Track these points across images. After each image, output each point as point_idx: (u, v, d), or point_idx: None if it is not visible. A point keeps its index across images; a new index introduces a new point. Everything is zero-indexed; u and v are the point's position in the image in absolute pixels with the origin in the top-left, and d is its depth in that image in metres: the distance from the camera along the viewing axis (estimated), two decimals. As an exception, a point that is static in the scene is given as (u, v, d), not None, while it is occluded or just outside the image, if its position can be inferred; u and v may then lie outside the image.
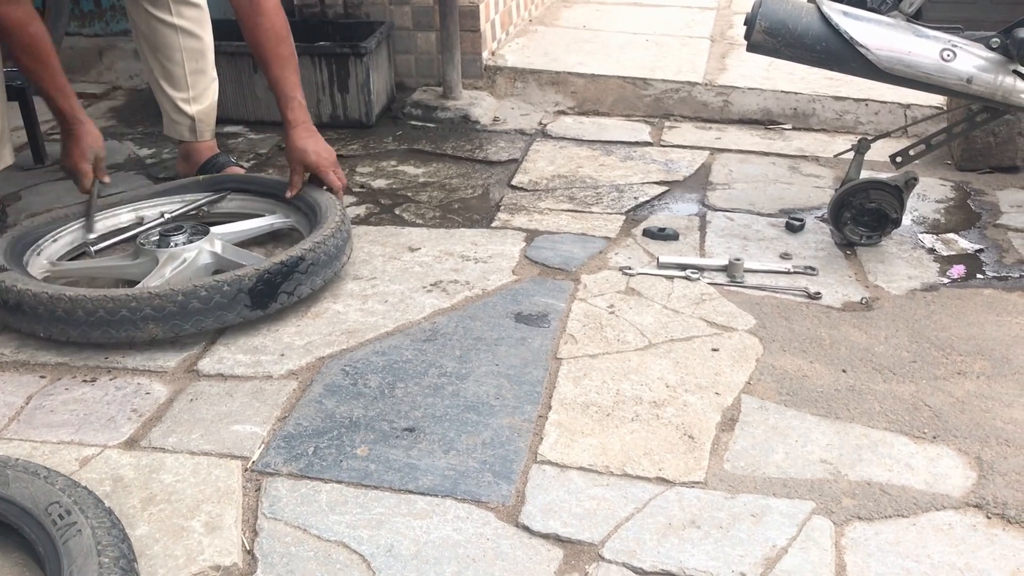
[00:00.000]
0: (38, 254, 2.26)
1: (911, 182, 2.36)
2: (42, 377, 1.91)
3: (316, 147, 2.39)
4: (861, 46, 2.20)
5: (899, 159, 2.49)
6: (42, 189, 2.86)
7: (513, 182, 2.87)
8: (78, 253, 2.35)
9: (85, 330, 1.93)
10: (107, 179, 2.41)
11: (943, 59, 2.18)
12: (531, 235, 2.50)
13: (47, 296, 1.92)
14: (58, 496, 1.40)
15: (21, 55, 2.26)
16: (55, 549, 1.31)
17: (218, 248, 2.21)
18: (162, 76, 2.67)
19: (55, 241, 2.32)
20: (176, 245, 2.18)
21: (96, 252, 2.29)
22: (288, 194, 2.40)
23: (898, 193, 2.35)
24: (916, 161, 2.51)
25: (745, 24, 2.33)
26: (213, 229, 2.27)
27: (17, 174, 2.96)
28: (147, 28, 2.60)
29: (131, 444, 1.70)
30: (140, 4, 2.58)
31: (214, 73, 2.75)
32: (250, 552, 1.45)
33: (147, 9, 2.58)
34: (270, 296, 2.02)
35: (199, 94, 2.71)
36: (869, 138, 2.44)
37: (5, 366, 1.95)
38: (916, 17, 2.28)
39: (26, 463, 1.49)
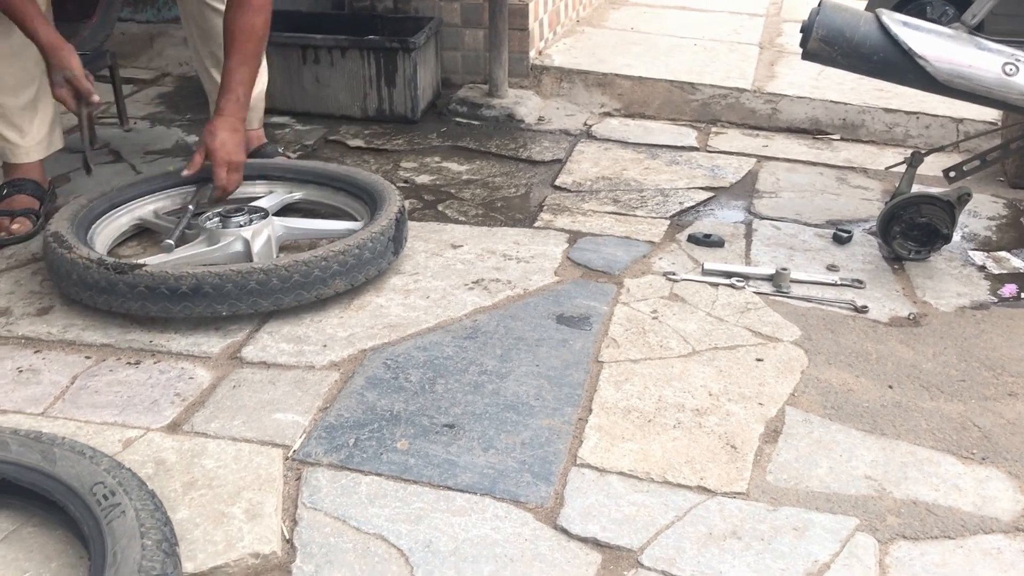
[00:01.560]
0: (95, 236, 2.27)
1: (964, 198, 2.32)
2: (87, 358, 1.93)
3: (225, 138, 2.32)
4: (920, 57, 2.16)
5: (952, 174, 2.45)
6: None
7: (557, 182, 2.86)
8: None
9: (279, 297, 1.99)
10: (95, 97, 2.29)
11: (1005, 73, 2.14)
12: (574, 236, 2.49)
13: (239, 273, 1.96)
14: (103, 477, 1.41)
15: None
16: (99, 529, 1.31)
17: (288, 222, 2.33)
18: (212, 63, 2.68)
19: (108, 223, 2.34)
20: (252, 223, 2.22)
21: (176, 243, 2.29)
22: (184, 172, 2.38)
23: (950, 208, 2.31)
24: (969, 177, 2.47)
25: (801, 32, 2.30)
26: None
27: (66, 156, 2.99)
28: (198, 15, 2.62)
29: (174, 428, 1.71)
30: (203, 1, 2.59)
31: (263, 62, 2.75)
32: (289, 541, 1.45)
33: (208, 4, 2.59)
34: (399, 243, 2.23)
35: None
36: (922, 151, 2.40)
37: (52, 345, 1.97)
38: (978, 30, 2.24)
39: (72, 442, 1.50)
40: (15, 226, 2.41)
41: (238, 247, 2.19)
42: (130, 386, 1.83)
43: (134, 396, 1.80)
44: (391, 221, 2.20)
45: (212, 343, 1.97)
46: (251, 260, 2.16)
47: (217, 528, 1.46)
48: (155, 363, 1.91)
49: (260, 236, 2.21)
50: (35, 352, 1.94)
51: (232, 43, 2.35)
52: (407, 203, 2.67)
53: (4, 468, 1.45)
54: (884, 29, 2.20)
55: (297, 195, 2.53)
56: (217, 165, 2.32)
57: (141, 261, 2.03)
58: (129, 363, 1.91)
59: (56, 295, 2.14)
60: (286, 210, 2.48)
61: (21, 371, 1.88)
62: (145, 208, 2.42)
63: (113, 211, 2.35)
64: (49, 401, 1.78)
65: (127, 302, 1.96)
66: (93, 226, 2.27)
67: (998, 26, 2.30)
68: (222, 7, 2.58)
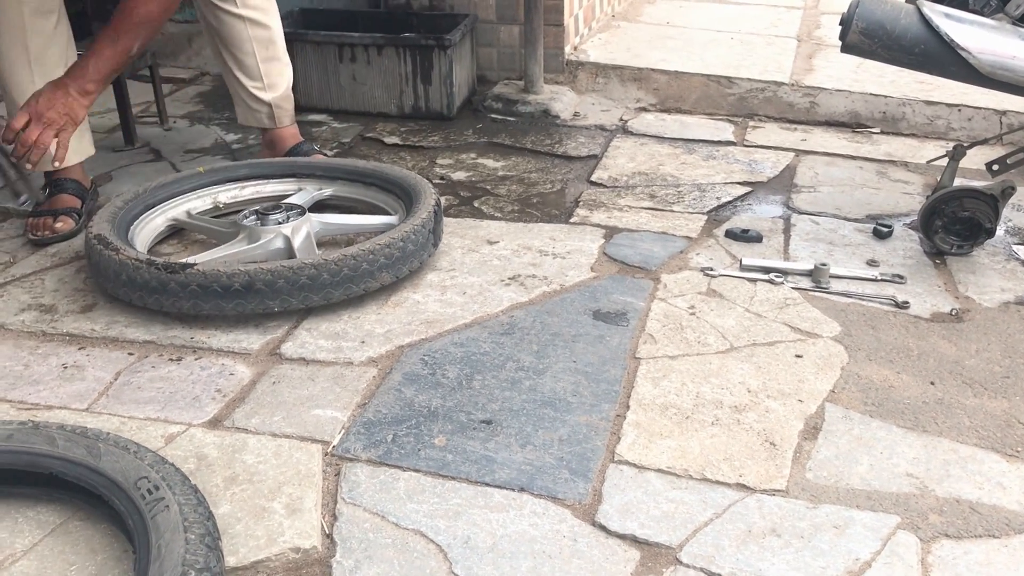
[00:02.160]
0: (135, 236, 2.31)
1: (1008, 191, 2.28)
2: (130, 354, 1.96)
3: (46, 92, 2.22)
4: (963, 49, 2.13)
5: (995, 167, 2.41)
6: (132, 170, 2.93)
7: (592, 178, 2.86)
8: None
9: (329, 291, 2.02)
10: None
11: (1049, 65, 2.10)
12: (610, 232, 2.48)
13: (290, 268, 1.98)
14: (147, 471, 1.43)
15: None
16: (144, 523, 1.34)
17: (325, 218, 2.36)
18: (235, 66, 2.68)
19: (146, 224, 2.38)
20: (290, 220, 2.25)
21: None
22: None
23: (993, 202, 2.27)
24: (1013, 170, 2.42)
25: (840, 24, 2.27)
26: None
27: (109, 155, 3.04)
28: (215, 21, 2.62)
29: (215, 424, 1.73)
30: (210, 1, 2.58)
31: (287, 58, 2.77)
32: (329, 536, 1.46)
33: (213, 2, 2.58)
34: (438, 236, 2.28)
35: (273, 81, 2.72)
36: (964, 144, 2.37)
37: (96, 342, 2.00)
38: (1022, 20, 2.20)
39: (116, 437, 1.53)
40: (58, 224, 2.45)
41: (279, 244, 2.21)
42: (172, 382, 1.86)
43: (176, 392, 1.82)
44: (430, 213, 2.22)
45: (252, 340, 1.99)
46: (293, 256, 2.18)
47: (258, 523, 1.48)
48: (196, 359, 1.93)
49: (300, 232, 2.24)
50: (79, 349, 1.98)
51: (111, 21, 2.28)
52: (443, 199, 2.69)
53: (51, 463, 1.47)
54: (925, 21, 2.17)
55: (327, 191, 2.56)
56: (16, 117, 2.21)
57: (191, 260, 2.06)
58: (171, 359, 1.94)
59: (99, 292, 2.17)
60: (317, 207, 2.50)
61: (66, 367, 1.91)
62: (179, 208, 2.45)
63: (148, 212, 2.39)
64: (94, 397, 1.81)
65: (179, 301, 1.99)
66: (132, 227, 2.30)
67: (1043, 16, 2.26)
68: (238, 11, 2.60)
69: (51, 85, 2.25)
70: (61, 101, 2.23)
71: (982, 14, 2.20)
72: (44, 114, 2.21)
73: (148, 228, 2.37)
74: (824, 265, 2.20)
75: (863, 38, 2.23)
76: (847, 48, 2.28)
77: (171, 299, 2.00)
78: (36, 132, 2.20)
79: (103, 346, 1.99)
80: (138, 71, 3.20)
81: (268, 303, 1.99)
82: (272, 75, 2.72)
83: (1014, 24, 2.18)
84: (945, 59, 2.17)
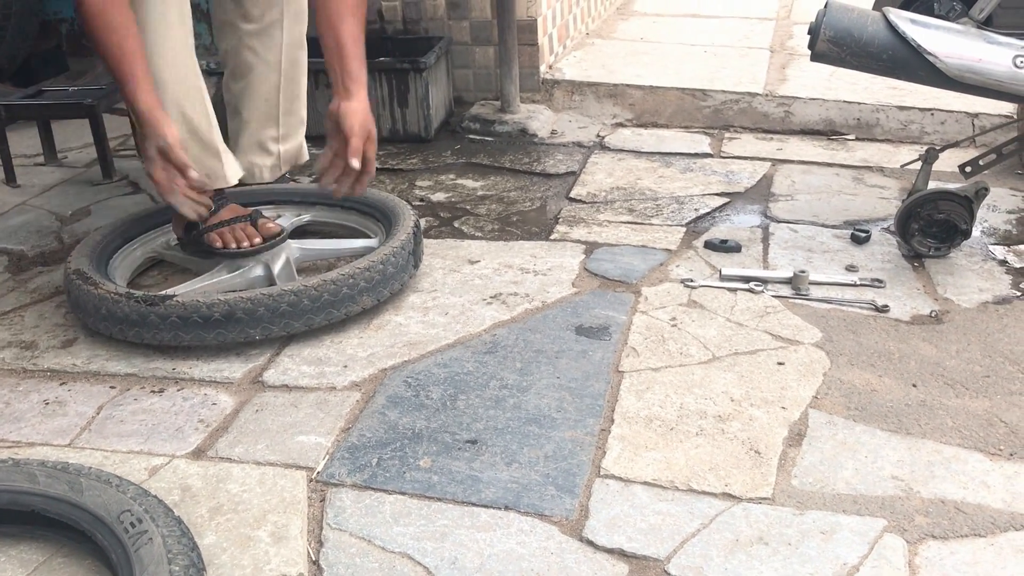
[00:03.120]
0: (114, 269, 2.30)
1: (981, 192, 2.30)
2: (112, 388, 1.95)
3: (361, 109, 2.10)
4: (929, 54, 2.15)
5: (968, 169, 2.43)
6: (111, 203, 2.93)
7: (571, 194, 2.87)
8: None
9: (310, 317, 2.02)
10: (191, 173, 2.00)
11: (1016, 66, 2.13)
12: (590, 247, 2.49)
13: (270, 296, 1.98)
14: (130, 504, 1.42)
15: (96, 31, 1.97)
16: (127, 556, 1.33)
17: (304, 244, 2.37)
18: (250, 111, 2.54)
19: (125, 257, 2.37)
20: (270, 248, 2.24)
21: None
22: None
23: (968, 204, 2.29)
24: (986, 171, 2.45)
25: (809, 33, 2.30)
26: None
27: (87, 189, 3.04)
28: (245, 64, 2.47)
29: (198, 454, 1.72)
30: (247, 45, 2.45)
31: (304, 116, 2.66)
32: (315, 563, 1.45)
33: (257, 52, 2.45)
34: (418, 257, 2.27)
35: (288, 133, 2.61)
36: (937, 148, 2.39)
37: (77, 377, 1.99)
38: (986, 23, 2.23)
39: (98, 472, 1.52)
40: (270, 225, 2.32)
41: (259, 272, 2.21)
42: (155, 414, 1.85)
43: (159, 424, 1.81)
44: (409, 235, 2.22)
45: (234, 368, 1.99)
46: (273, 283, 2.18)
47: (244, 552, 1.47)
48: (178, 390, 1.93)
49: (279, 259, 2.24)
50: (61, 384, 1.97)
51: (336, 14, 2.10)
52: (423, 220, 2.69)
53: (32, 500, 1.46)
54: (892, 27, 2.19)
55: (306, 217, 2.56)
56: (355, 137, 2.09)
57: (170, 292, 2.06)
58: (153, 391, 1.93)
59: (80, 327, 2.16)
60: (297, 232, 2.50)
61: (48, 403, 1.90)
62: (158, 240, 2.45)
63: (127, 244, 2.38)
64: (76, 432, 1.80)
65: (160, 333, 1.99)
66: (111, 260, 2.29)
67: (1006, 19, 2.29)
68: (270, 55, 2.47)
69: (357, 101, 2.09)
70: (367, 110, 2.13)
71: (947, 19, 2.23)
72: (372, 130, 2.13)
73: (128, 261, 2.37)
74: (803, 272, 2.21)
75: (832, 46, 2.25)
76: (816, 57, 2.31)
77: (151, 331, 1.99)
78: (372, 147, 2.13)
79: (85, 380, 1.98)
80: (114, 104, 3.20)
81: (249, 331, 1.99)
82: (289, 126, 2.60)
83: (979, 28, 2.21)
84: (913, 64, 2.20)
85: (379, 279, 2.10)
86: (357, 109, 2.10)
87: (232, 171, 2.34)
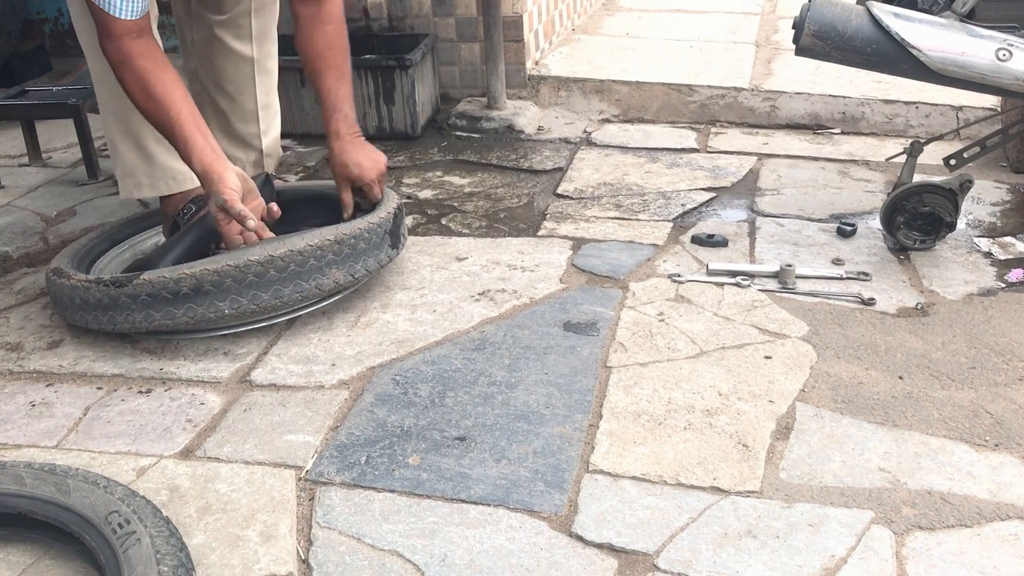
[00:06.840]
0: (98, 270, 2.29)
1: (966, 185, 2.32)
2: (99, 388, 1.94)
3: (358, 158, 2.22)
4: (913, 47, 2.16)
5: (953, 162, 2.44)
6: (96, 204, 2.92)
7: (559, 191, 2.87)
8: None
9: (278, 288, 1.97)
10: (250, 223, 1.97)
11: (999, 59, 2.14)
12: (578, 243, 2.49)
13: (236, 267, 1.93)
14: (117, 505, 1.42)
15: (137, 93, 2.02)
16: (115, 558, 1.32)
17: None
18: (229, 108, 2.57)
19: (112, 259, 2.36)
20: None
21: None
22: (345, 215, 2.26)
23: (952, 196, 2.30)
24: (970, 164, 2.46)
25: (793, 28, 2.30)
26: None
27: (72, 189, 3.02)
28: (218, 59, 2.48)
29: (186, 454, 1.72)
30: (217, 36, 2.47)
31: (278, 106, 2.68)
32: (305, 561, 1.45)
33: (222, 39, 2.48)
34: (396, 238, 2.21)
35: (268, 127, 2.63)
36: (921, 141, 2.40)
37: (64, 378, 1.98)
38: (969, 17, 2.23)
39: (86, 473, 1.52)
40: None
41: None
42: (142, 415, 1.84)
43: (146, 424, 1.81)
44: (389, 214, 2.18)
45: (221, 368, 1.98)
46: None
47: (233, 552, 1.47)
48: (166, 391, 1.92)
49: None
50: (47, 385, 1.96)
51: (321, 62, 2.22)
52: (411, 218, 2.69)
53: (19, 502, 1.46)
54: (876, 21, 2.20)
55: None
56: (368, 187, 2.24)
57: (136, 273, 2.03)
58: (140, 392, 1.92)
59: (66, 328, 2.15)
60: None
61: (34, 405, 1.89)
62: (146, 243, 2.44)
63: (115, 248, 2.37)
64: (63, 433, 1.79)
65: (132, 314, 1.96)
66: (97, 263, 2.28)
67: (988, 13, 2.30)
68: (244, 48, 2.48)
69: (351, 147, 2.22)
70: (370, 149, 2.27)
71: (930, 12, 2.24)
72: (380, 168, 2.26)
73: (114, 264, 2.36)
74: (790, 266, 2.22)
75: (816, 40, 2.26)
76: (801, 51, 2.31)
77: (124, 313, 1.97)
78: (382, 187, 2.29)
79: (71, 382, 1.97)
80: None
81: (218, 305, 1.95)
82: (268, 119, 2.62)
83: (961, 21, 2.22)
84: (897, 58, 2.20)
85: (349, 252, 2.05)
86: (362, 159, 2.23)
87: None
